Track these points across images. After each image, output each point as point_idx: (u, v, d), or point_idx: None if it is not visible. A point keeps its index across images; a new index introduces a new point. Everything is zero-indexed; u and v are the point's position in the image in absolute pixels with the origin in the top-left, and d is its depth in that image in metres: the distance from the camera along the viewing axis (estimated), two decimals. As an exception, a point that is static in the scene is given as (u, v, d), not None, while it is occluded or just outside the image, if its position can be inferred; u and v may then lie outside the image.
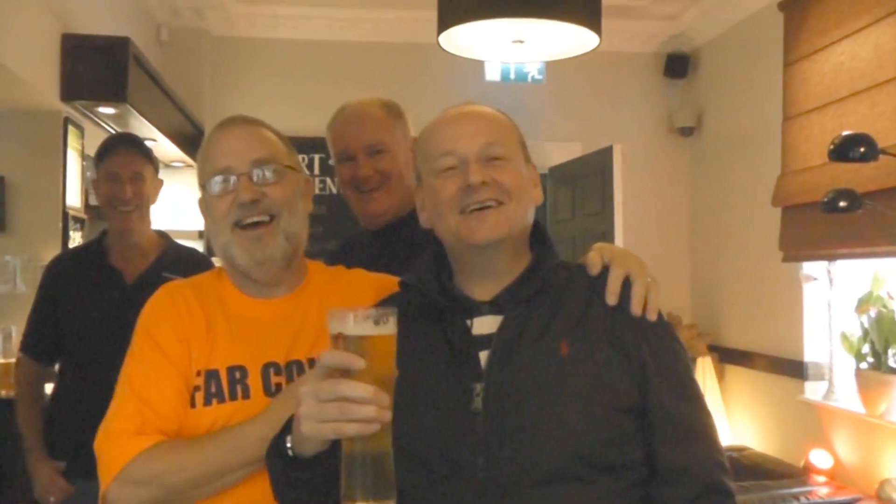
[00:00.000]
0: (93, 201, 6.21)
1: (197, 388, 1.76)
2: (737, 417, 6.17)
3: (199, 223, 6.34)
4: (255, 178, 1.80)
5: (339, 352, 1.32)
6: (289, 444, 1.45)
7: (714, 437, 1.61)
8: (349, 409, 1.29)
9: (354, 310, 1.34)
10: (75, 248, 3.54)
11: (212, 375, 1.77)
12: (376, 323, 1.33)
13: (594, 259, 1.71)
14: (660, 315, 1.65)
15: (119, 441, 1.69)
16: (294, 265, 1.89)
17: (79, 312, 3.22)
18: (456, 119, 1.70)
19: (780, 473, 4.99)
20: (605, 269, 1.68)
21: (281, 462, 1.48)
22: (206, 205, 1.86)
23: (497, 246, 1.63)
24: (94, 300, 3.20)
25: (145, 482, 1.66)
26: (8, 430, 4.06)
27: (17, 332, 4.39)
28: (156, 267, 3.22)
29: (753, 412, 6.05)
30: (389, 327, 1.34)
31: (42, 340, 3.36)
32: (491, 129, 1.67)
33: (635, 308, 1.62)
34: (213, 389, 1.76)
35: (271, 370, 1.79)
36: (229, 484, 1.68)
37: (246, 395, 1.76)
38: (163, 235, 3.43)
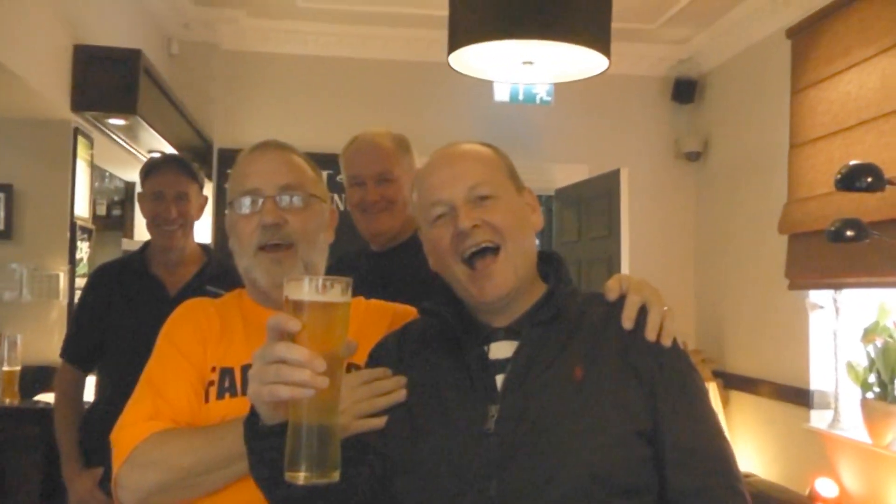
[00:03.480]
0: (100, 211, 6.27)
1: (211, 383, 1.80)
2: (741, 444, 6.14)
3: (206, 236, 6.37)
4: (280, 203, 1.84)
5: (280, 314, 1.34)
6: (254, 414, 1.47)
7: (730, 463, 1.61)
8: (283, 371, 1.31)
9: (307, 276, 1.36)
10: (118, 259, 3.62)
11: (226, 372, 1.81)
12: (322, 290, 1.34)
13: (613, 286, 1.74)
14: (675, 342, 1.66)
15: (131, 429, 1.72)
16: None
17: (121, 321, 3.26)
18: (440, 165, 1.74)
19: (785, 502, 4.97)
20: (622, 297, 1.70)
21: (248, 432, 1.49)
22: (232, 223, 1.90)
23: (507, 296, 1.66)
24: (137, 310, 3.24)
25: (153, 464, 1.67)
26: (11, 438, 4.11)
27: (21, 341, 4.41)
28: (199, 279, 3.26)
29: (758, 439, 6.02)
30: (334, 295, 1.35)
31: (82, 346, 3.41)
32: (475, 170, 1.70)
33: (650, 334, 1.63)
34: (227, 384, 1.80)
35: None
36: (239, 473, 1.66)
37: None
38: (205, 249, 3.49)
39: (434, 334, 1.72)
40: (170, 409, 1.75)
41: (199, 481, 1.69)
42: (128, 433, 1.72)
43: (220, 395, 1.79)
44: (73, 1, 4.60)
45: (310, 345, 1.31)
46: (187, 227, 3.33)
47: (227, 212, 1.93)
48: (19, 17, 3.90)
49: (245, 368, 1.80)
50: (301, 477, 1.32)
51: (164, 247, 3.31)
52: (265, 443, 1.45)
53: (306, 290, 1.33)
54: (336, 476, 1.34)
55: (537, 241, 1.84)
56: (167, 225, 3.26)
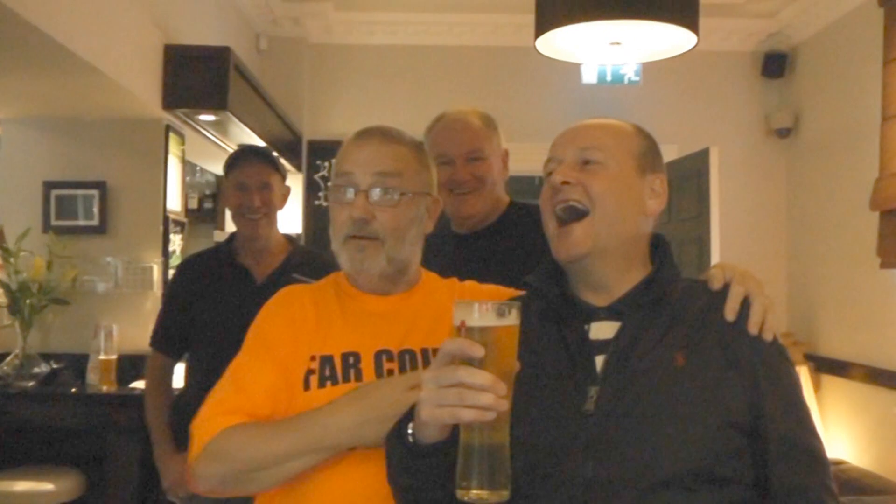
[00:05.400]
0: (192, 205, 6.40)
1: (311, 372, 1.82)
2: (834, 430, 6.02)
3: (296, 227, 6.46)
4: (371, 197, 1.85)
5: (460, 339, 1.36)
6: (410, 431, 1.50)
7: (825, 462, 1.61)
8: (467, 395, 1.33)
9: (479, 301, 1.37)
10: (206, 250, 3.70)
11: (326, 360, 1.83)
12: (499, 314, 1.36)
13: (717, 275, 1.73)
14: (774, 337, 1.65)
15: (209, 422, 1.77)
16: (404, 277, 1.95)
17: (208, 309, 3.33)
18: (569, 128, 1.75)
19: (879, 489, 4.85)
20: (725, 287, 1.70)
21: (401, 447, 1.52)
22: (330, 207, 1.93)
23: (586, 259, 1.66)
24: (224, 298, 3.32)
25: (221, 455, 1.71)
26: (108, 423, 4.26)
27: (118, 331, 4.54)
28: (284, 267, 3.32)
29: (851, 425, 5.89)
30: (511, 319, 1.37)
31: (171, 335, 3.50)
32: (595, 135, 1.70)
33: (752, 328, 1.62)
34: (328, 373, 1.82)
35: (384, 357, 1.84)
36: (309, 465, 1.71)
37: (359, 378, 1.81)
38: (290, 239, 3.54)
39: (534, 311, 1.71)
40: (249, 404, 1.78)
41: (266, 475, 1.73)
42: (205, 426, 1.76)
43: (321, 384, 1.81)
44: (163, 3, 4.71)
45: (490, 368, 1.34)
46: (271, 215, 3.37)
47: (327, 193, 1.97)
48: (112, 22, 4.01)
49: (345, 355, 1.84)
50: (473, 494, 1.36)
51: (249, 235, 3.36)
52: (424, 461, 1.49)
53: (487, 315, 1.36)
54: (506, 495, 1.36)
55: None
56: (251, 214, 3.31)
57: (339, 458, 1.73)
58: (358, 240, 1.85)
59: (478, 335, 1.35)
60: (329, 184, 1.95)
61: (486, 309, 1.36)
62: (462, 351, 1.35)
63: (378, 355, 1.84)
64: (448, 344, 1.37)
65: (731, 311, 1.64)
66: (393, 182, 1.86)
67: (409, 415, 1.52)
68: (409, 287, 1.95)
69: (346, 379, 1.81)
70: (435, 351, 1.79)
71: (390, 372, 1.82)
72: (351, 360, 1.83)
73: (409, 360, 1.85)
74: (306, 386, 1.81)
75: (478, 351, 1.33)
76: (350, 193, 1.85)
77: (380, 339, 1.86)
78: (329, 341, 1.85)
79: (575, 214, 1.64)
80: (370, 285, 1.90)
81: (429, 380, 1.39)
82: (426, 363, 1.83)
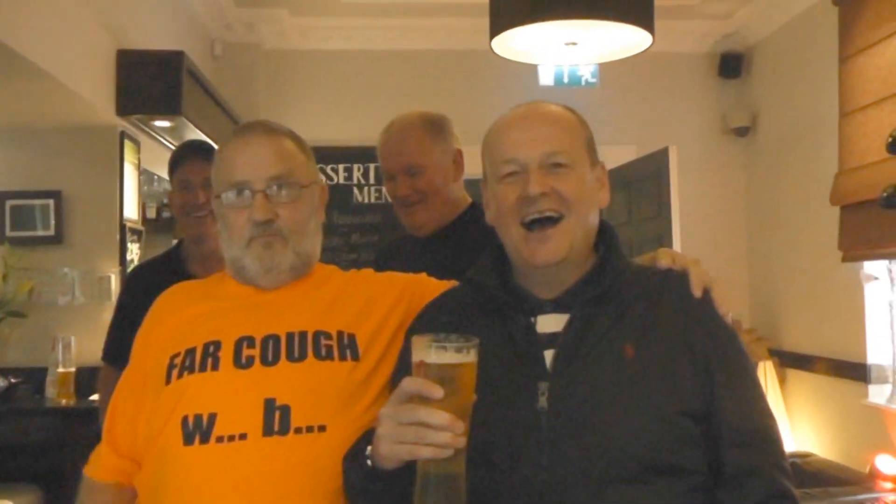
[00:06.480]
0: (150, 214, 6.32)
1: (174, 367, 1.80)
2: (799, 423, 6.06)
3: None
4: (270, 196, 1.82)
5: (419, 379, 1.37)
6: (368, 454, 1.48)
7: (778, 441, 1.61)
8: (425, 433, 1.35)
9: (437, 339, 1.38)
10: (154, 257, 3.58)
11: (190, 352, 1.80)
12: (458, 352, 1.37)
13: (664, 257, 1.74)
14: (727, 322, 1.66)
15: (96, 452, 2.01)
16: (308, 270, 1.93)
17: None
18: (520, 123, 1.71)
19: (845, 480, 4.88)
20: (677, 271, 1.70)
21: (359, 471, 1.51)
22: (221, 214, 1.88)
23: (558, 265, 1.64)
24: None
25: None
26: (68, 438, 4.17)
27: (76, 343, 4.47)
28: None
29: (816, 417, 5.94)
30: (470, 357, 1.38)
31: (122, 348, 3.37)
32: (555, 135, 1.67)
33: (721, 309, 1.64)
34: (188, 363, 1.79)
35: (244, 343, 1.79)
36: None
37: (215, 367, 1.77)
38: None
39: (473, 304, 1.69)
40: (122, 447, 1.92)
41: None
42: (94, 457, 2.01)
43: (180, 375, 1.78)
44: (116, 8, 4.64)
45: (447, 405, 1.35)
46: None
47: (214, 199, 1.91)
48: (63, 27, 3.95)
49: (206, 345, 1.80)
50: None
51: (196, 236, 3.22)
52: (382, 485, 1.48)
53: (445, 355, 1.37)
54: None
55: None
56: (196, 211, 3.15)
57: (198, 452, 1.69)
58: (263, 238, 1.82)
59: (435, 373, 1.36)
60: (215, 194, 1.90)
61: (444, 347, 1.36)
62: (421, 392, 1.35)
63: (239, 342, 1.79)
64: (407, 383, 1.38)
65: (697, 288, 1.65)
66: (289, 178, 1.84)
67: (367, 437, 1.51)
68: (293, 279, 1.91)
69: (203, 368, 1.77)
70: (301, 335, 1.80)
71: (250, 359, 1.77)
72: (211, 348, 1.79)
73: (272, 346, 1.79)
74: (168, 380, 1.79)
75: (436, 392, 1.34)
76: (246, 196, 1.82)
77: (244, 325, 1.82)
78: (196, 334, 1.83)
79: (548, 222, 1.62)
80: (276, 282, 1.87)
81: (387, 416, 1.40)
82: (289, 347, 1.79)
